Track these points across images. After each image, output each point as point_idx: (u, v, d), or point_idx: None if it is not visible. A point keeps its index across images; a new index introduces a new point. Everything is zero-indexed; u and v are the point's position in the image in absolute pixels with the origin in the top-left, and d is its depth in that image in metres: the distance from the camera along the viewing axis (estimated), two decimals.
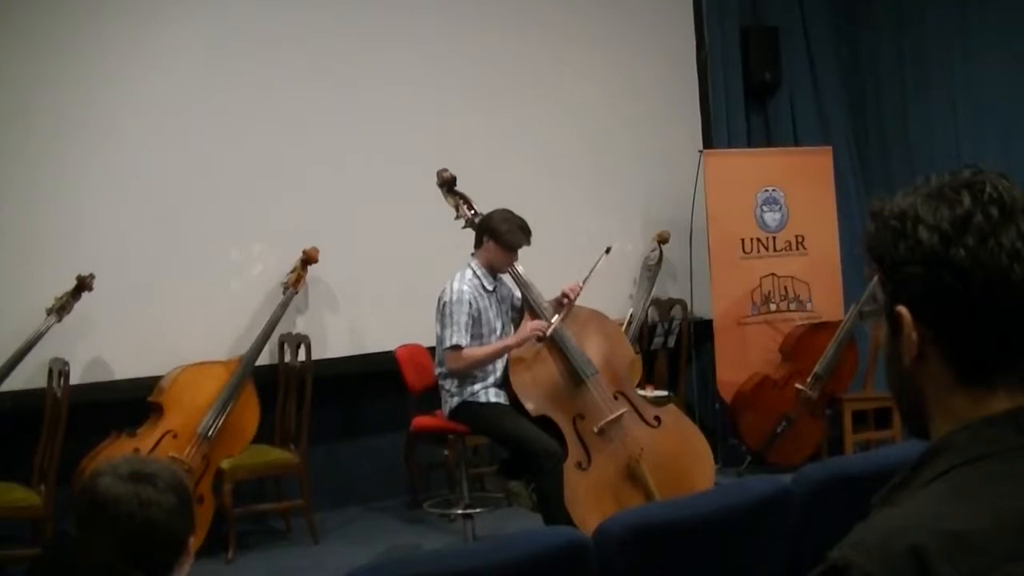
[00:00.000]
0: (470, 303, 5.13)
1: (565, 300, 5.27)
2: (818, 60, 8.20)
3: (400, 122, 6.52)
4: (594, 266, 5.37)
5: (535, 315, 5.26)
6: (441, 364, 5.27)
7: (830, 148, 7.64)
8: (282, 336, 6.09)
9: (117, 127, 5.79)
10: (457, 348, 5.10)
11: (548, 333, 5.09)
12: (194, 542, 2.13)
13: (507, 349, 5.15)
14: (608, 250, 5.54)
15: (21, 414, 5.32)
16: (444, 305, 5.15)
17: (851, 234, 7.40)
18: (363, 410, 6.56)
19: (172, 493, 2.07)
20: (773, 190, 7.34)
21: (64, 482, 5.16)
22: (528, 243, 5.22)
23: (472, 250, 5.30)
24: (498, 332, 5.27)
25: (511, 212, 5.25)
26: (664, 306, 7.37)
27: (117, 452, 5.13)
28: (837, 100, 8.23)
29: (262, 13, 6.20)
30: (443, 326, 5.14)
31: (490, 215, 5.26)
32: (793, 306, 7.32)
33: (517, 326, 5.30)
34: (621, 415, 5.23)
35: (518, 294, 5.36)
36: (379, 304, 6.41)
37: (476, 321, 5.16)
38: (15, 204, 5.54)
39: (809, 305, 7.34)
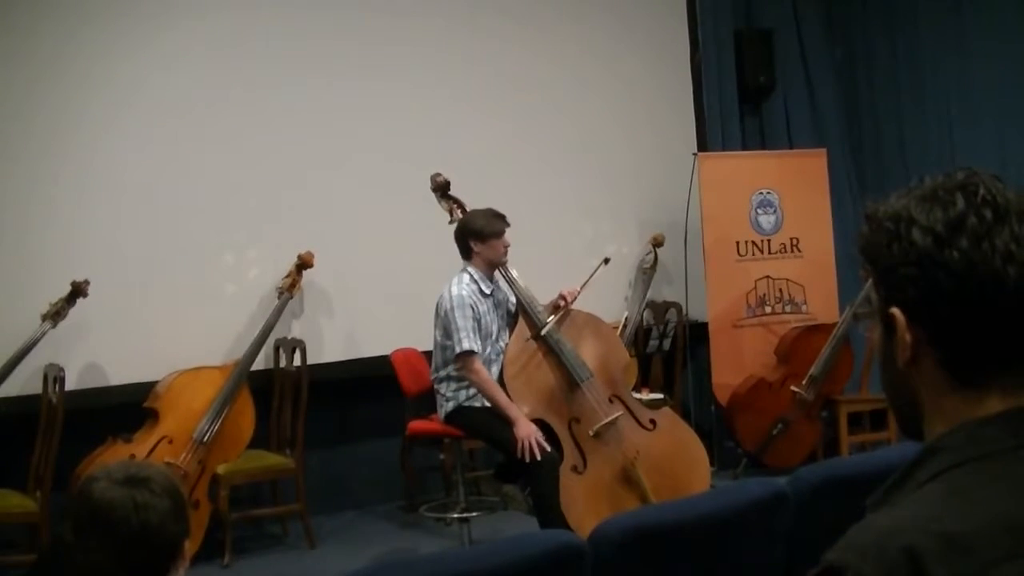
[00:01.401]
0: (471, 307, 5.13)
1: (561, 303, 5.27)
2: (812, 62, 8.21)
3: (395, 126, 6.52)
4: (592, 275, 5.38)
5: (529, 318, 5.26)
6: (438, 369, 5.27)
7: (824, 150, 7.65)
8: (277, 341, 6.09)
9: (112, 132, 5.79)
10: (471, 353, 5.08)
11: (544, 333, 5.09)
12: (190, 547, 2.13)
13: (510, 414, 5.02)
14: (607, 261, 5.56)
15: (17, 420, 5.32)
16: (446, 312, 5.14)
17: (846, 236, 7.40)
18: (359, 414, 6.55)
19: (167, 497, 2.07)
20: (768, 192, 7.35)
21: (60, 488, 5.16)
22: (507, 224, 5.23)
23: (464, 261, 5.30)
24: (494, 336, 5.26)
25: (476, 209, 5.29)
26: (659, 309, 7.38)
27: (113, 458, 5.13)
28: (831, 102, 8.24)
29: (259, 17, 6.20)
30: (449, 332, 5.12)
31: (464, 223, 5.27)
32: (788, 308, 7.32)
33: (511, 332, 5.29)
34: (616, 418, 5.23)
35: (513, 299, 5.36)
36: (374, 308, 6.41)
37: (477, 325, 5.16)
38: (10, 209, 5.54)
39: (804, 307, 7.34)
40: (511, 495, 5.24)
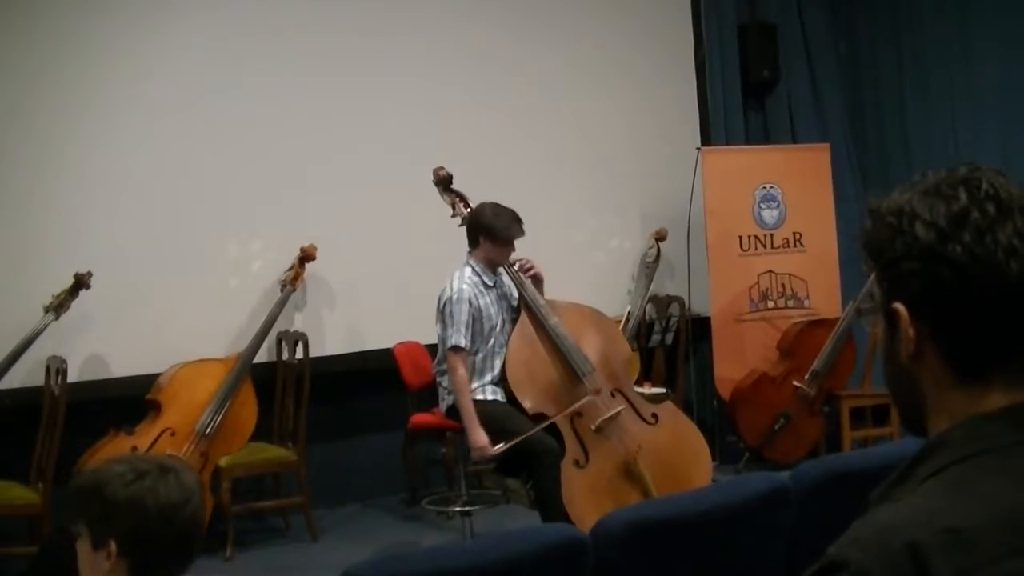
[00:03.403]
0: (470, 301, 5.13)
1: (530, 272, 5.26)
2: (816, 57, 8.20)
3: (398, 119, 6.52)
4: None
5: (532, 314, 5.25)
6: (440, 362, 5.27)
7: (828, 145, 7.64)
8: (280, 333, 6.09)
9: (115, 125, 5.79)
10: (458, 348, 5.09)
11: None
12: None
13: (467, 423, 5.02)
14: None
15: (19, 412, 5.32)
16: (444, 304, 5.14)
17: (849, 231, 7.39)
18: (361, 407, 6.56)
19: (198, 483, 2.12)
20: (771, 187, 7.35)
21: (62, 480, 5.15)
22: (523, 233, 5.21)
23: (468, 248, 5.29)
24: (498, 328, 5.26)
25: (499, 205, 5.23)
26: (662, 303, 7.37)
27: (115, 450, 5.14)
28: (835, 97, 8.23)
29: (260, 12, 6.20)
30: (444, 325, 5.13)
31: (480, 213, 5.23)
32: (791, 303, 7.32)
33: (514, 325, 5.28)
34: (618, 413, 5.22)
35: (516, 292, 5.35)
36: (377, 301, 6.41)
37: (477, 319, 5.16)
38: (13, 202, 5.54)
39: (807, 302, 7.34)
40: (513, 489, 5.25)
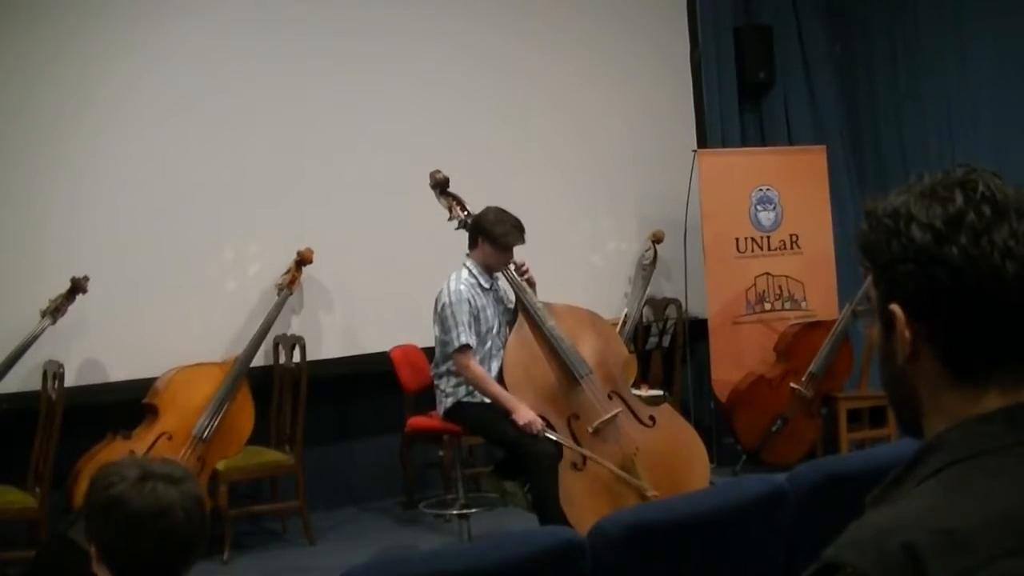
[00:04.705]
0: (469, 301, 5.13)
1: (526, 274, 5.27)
2: (812, 59, 8.21)
3: (396, 122, 6.51)
4: None
5: (530, 317, 5.25)
6: (437, 365, 5.27)
7: (824, 147, 7.64)
8: (277, 337, 6.09)
9: (112, 129, 5.79)
10: (467, 348, 5.09)
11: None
12: None
13: (508, 404, 5.04)
14: None
15: (16, 416, 5.31)
16: (444, 307, 5.13)
17: (845, 233, 7.40)
18: (358, 411, 6.56)
19: (199, 490, 2.03)
20: (767, 189, 7.35)
21: (59, 484, 5.16)
22: (523, 241, 5.21)
23: (467, 250, 5.29)
24: (495, 330, 5.26)
25: (503, 211, 5.23)
26: (659, 305, 7.37)
27: (112, 454, 5.13)
28: (831, 99, 8.23)
29: (259, 13, 6.19)
30: (447, 328, 5.11)
31: (483, 216, 5.23)
32: (788, 305, 7.32)
33: (511, 328, 5.28)
34: (616, 415, 5.22)
35: (512, 296, 5.35)
36: (374, 305, 6.41)
37: (476, 319, 5.16)
38: (10, 205, 5.54)
39: (804, 304, 7.34)
40: (510, 491, 5.23)
